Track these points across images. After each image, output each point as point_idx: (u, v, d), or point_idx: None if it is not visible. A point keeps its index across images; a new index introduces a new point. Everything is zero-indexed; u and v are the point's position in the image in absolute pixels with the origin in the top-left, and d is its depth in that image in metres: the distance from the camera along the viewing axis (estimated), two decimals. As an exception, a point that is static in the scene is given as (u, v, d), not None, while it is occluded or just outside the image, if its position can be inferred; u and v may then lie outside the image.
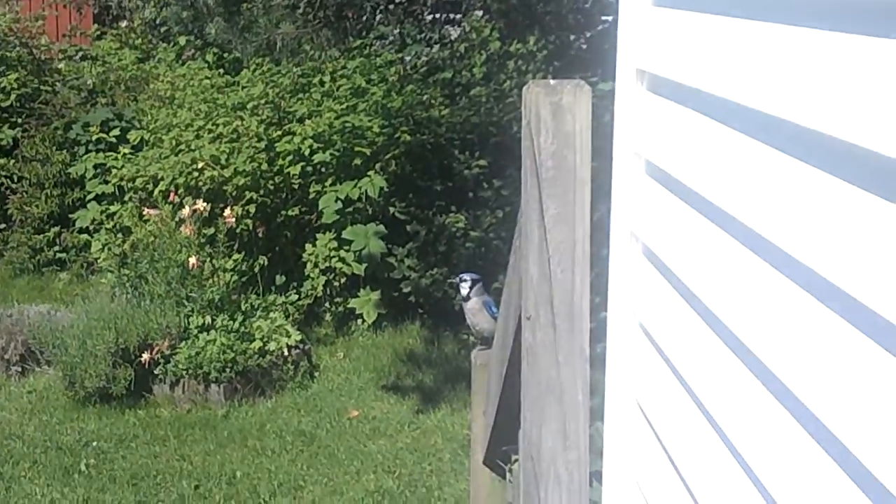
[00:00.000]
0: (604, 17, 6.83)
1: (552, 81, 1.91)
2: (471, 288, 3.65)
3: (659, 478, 1.80)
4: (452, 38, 7.98)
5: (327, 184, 6.71)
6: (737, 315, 1.42)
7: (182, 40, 8.42)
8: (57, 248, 7.74)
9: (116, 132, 7.65)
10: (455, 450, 5.22)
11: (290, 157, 6.69)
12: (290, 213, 6.78)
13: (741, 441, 1.41)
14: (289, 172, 6.67)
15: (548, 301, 1.92)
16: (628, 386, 1.97)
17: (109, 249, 6.95)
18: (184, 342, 5.76)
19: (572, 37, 7.17)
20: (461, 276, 3.75)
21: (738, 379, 1.41)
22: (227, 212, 6.30)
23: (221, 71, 7.84)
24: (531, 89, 1.89)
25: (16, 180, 7.85)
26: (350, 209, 6.62)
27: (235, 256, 6.45)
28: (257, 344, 5.83)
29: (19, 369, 6.09)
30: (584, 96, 1.88)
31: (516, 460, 2.99)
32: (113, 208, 7.22)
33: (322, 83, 7.31)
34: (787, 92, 1.22)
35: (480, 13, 7.64)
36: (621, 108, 1.90)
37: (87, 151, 7.64)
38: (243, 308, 6.06)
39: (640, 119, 1.86)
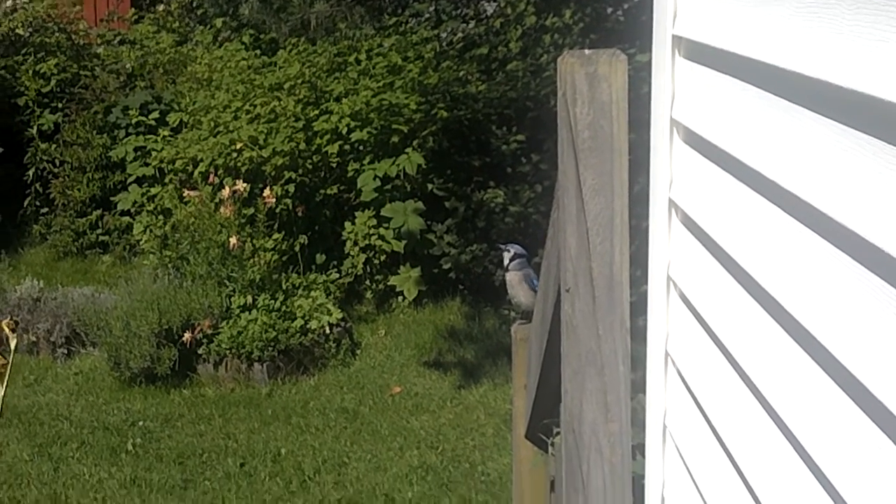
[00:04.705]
0: (641, -12, 6.76)
1: (587, 51, 1.89)
2: (511, 260, 3.61)
3: (703, 450, 1.79)
4: (488, 13, 7.93)
5: (365, 162, 6.71)
6: (778, 281, 1.40)
7: (218, 22, 8.44)
8: (99, 231, 7.81)
9: (156, 115, 7.69)
10: (497, 424, 5.23)
11: (327, 136, 6.69)
12: (328, 191, 6.80)
13: (786, 412, 1.39)
14: (327, 151, 6.68)
15: (587, 272, 1.91)
16: (670, 357, 1.95)
17: (151, 231, 7.00)
18: (225, 322, 5.80)
19: (609, 9, 7.09)
20: (506, 245, 3.71)
21: (781, 347, 1.39)
22: (267, 192, 6.32)
23: (258, 52, 7.86)
24: (566, 60, 1.87)
25: (58, 165, 7.93)
26: (388, 187, 6.62)
27: (275, 236, 6.48)
28: (299, 322, 5.86)
29: (65, 351, 6.16)
30: (620, 65, 1.86)
31: (558, 433, 2.98)
32: (154, 190, 7.27)
33: (358, 61, 7.30)
34: (829, 54, 1.20)
35: (516, -13, 7.58)
36: (658, 75, 1.87)
37: (128, 135, 7.69)
38: (284, 287, 6.09)
39: (677, 86, 1.84)
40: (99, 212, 7.81)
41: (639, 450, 2.14)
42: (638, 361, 2.07)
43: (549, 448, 3.23)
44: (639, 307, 2.04)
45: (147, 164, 7.42)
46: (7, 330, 1.75)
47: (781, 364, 1.40)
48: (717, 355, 1.67)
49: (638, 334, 2.03)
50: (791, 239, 1.35)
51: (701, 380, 1.79)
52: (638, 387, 2.15)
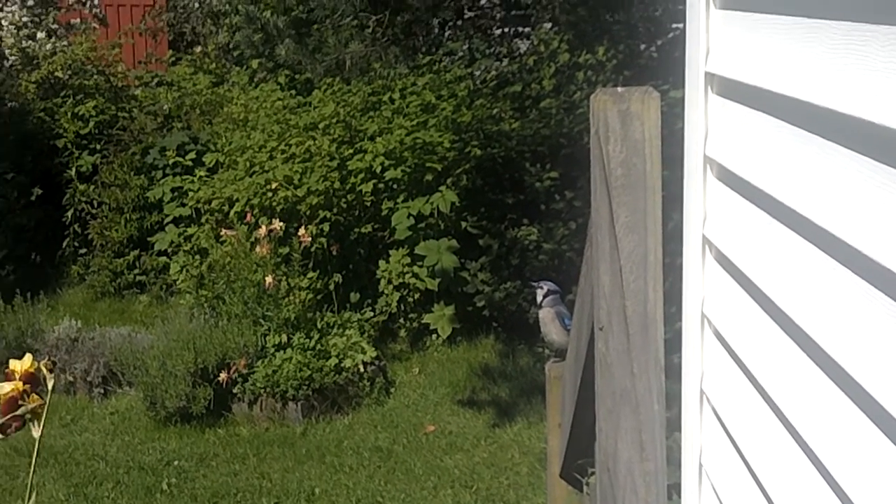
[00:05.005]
0: (674, 25, 6.77)
1: (620, 89, 1.89)
2: (544, 297, 3.60)
3: (739, 489, 1.77)
4: (521, 51, 7.97)
5: (399, 200, 6.73)
6: (813, 319, 1.39)
7: (254, 63, 8.53)
8: (137, 271, 7.87)
9: (192, 155, 7.77)
10: (532, 463, 5.19)
11: (361, 175, 6.72)
12: (362, 230, 6.82)
13: (824, 452, 1.37)
14: (361, 190, 6.71)
15: (620, 310, 1.90)
16: (705, 395, 1.93)
17: (187, 271, 7.04)
18: (261, 361, 5.81)
19: (642, 45, 7.11)
20: (539, 282, 3.70)
21: (817, 386, 1.37)
22: (302, 231, 6.35)
23: (293, 92, 7.93)
24: (598, 97, 1.88)
25: (96, 206, 8.01)
26: (422, 225, 6.63)
27: (310, 275, 6.50)
28: (333, 361, 5.86)
29: (102, 391, 6.19)
30: (653, 103, 1.86)
31: (593, 473, 2.96)
32: (190, 230, 7.33)
33: (392, 100, 7.35)
34: (862, 91, 1.19)
35: (549, 25, 7.62)
36: (691, 112, 1.87)
37: (164, 175, 7.77)
38: (319, 326, 6.09)
39: (710, 123, 1.84)
40: (136, 252, 7.87)
41: (675, 489, 2.12)
42: (673, 399, 2.05)
43: (584, 487, 3.21)
44: (673, 345, 2.02)
45: (184, 205, 7.49)
46: (45, 370, 1.75)
47: (818, 403, 1.38)
48: (753, 393, 1.65)
49: (673, 372, 2.01)
50: (825, 276, 1.34)
51: (736, 418, 1.77)
52: (673, 425, 2.13)
